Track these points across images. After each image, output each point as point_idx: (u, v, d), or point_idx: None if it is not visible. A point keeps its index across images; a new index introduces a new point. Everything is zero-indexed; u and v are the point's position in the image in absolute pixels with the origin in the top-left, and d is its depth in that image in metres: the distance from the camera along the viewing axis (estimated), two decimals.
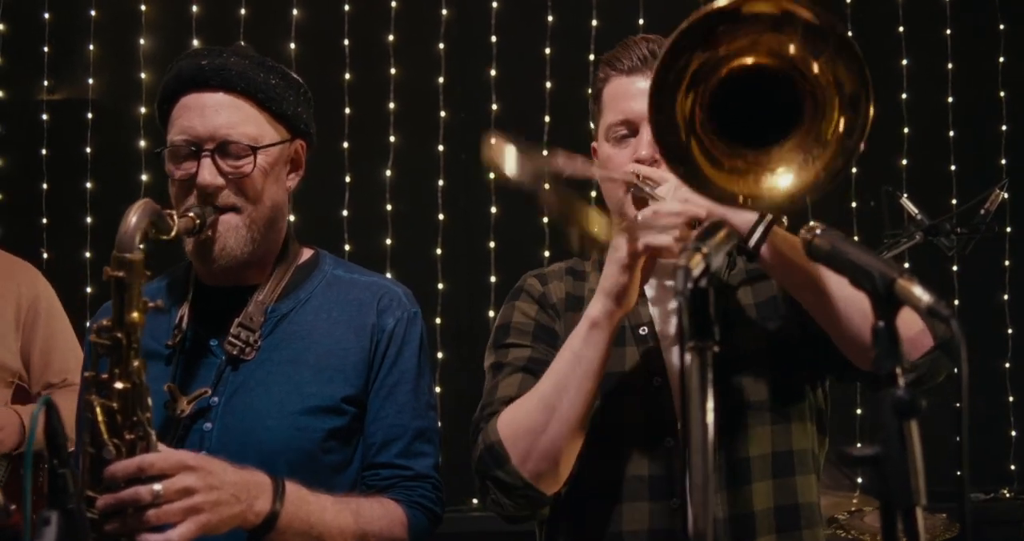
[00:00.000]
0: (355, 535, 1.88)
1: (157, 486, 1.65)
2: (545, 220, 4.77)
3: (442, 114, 4.79)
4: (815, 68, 1.47)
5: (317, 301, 2.07)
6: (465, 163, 4.81)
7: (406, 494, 1.99)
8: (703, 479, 1.13)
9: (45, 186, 4.69)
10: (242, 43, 2.09)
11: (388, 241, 4.74)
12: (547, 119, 4.80)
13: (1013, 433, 4.80)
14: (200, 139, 1.93)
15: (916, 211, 3.19)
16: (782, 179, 1.47)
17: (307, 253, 2.16)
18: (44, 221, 4.68)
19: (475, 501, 4.39)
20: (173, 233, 1.83)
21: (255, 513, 1.76)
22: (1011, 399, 4.78)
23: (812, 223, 1.37)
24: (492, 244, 4.77)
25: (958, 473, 1.22)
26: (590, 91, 2.19)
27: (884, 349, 1.22)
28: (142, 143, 4.70)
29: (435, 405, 2.12)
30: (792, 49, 1.45)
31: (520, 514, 1.94)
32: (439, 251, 4.76)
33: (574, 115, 4.79)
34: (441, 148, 4.79)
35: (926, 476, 1.18)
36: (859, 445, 1.20)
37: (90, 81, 4.75)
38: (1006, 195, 3.31)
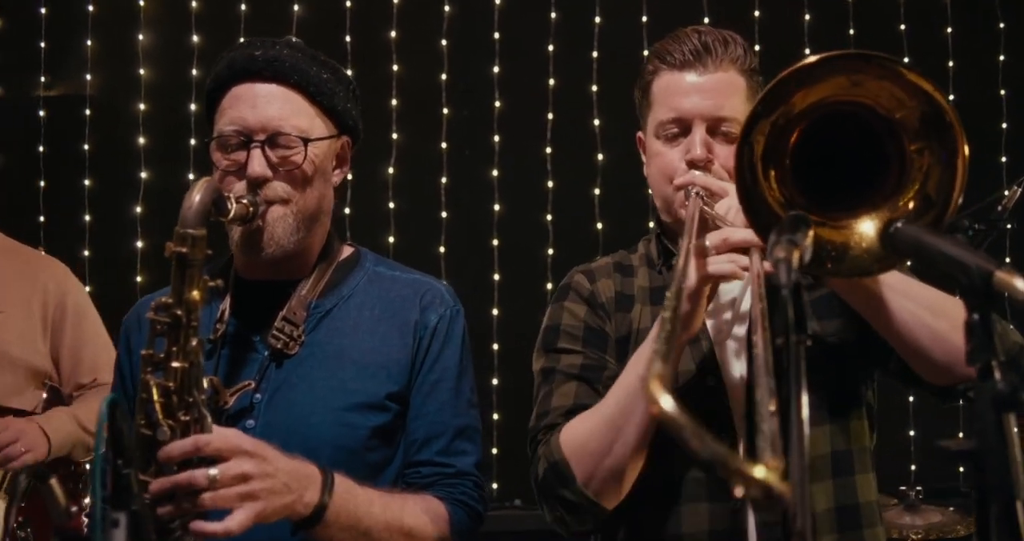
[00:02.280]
0: (400, 530, 1.86)
1: (213, 470, 1.63)
2: (548, 217, 4.76)
3: (444, 111, 4.77)
4: (912, 147, 1.48)
5: (359, 298, 2.05)
6: (468, 160, 4.79)
7: (448, 491, 1.97)
8: (800, 476, 1.11)
9: (43, 184, 4.64)
10: (293, 38, 2.06)
11: (391, 239, 4.71)
12: (550, 116, 4.79)
13: None
14: (251, 130, 1.91)
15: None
16: (852, 250, 1.50)
17: (348, 250, 2.14)
18: (42, 219, 4.62)
19: (518, 502, 4.39)
20: (230, 216, 1.80)
21: (304, 504, 1.74)
22: None
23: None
24: (495, 242, 4.76)
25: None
26: (637, 82, 2.14)
27: (979, 343, 1.21)
28: (141, 140, 4.66)
29: (476, 404, 2.10)
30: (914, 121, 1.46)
31: (583, 529, 1.94)
32: (442, 249, 4.74)
33: (577, 112, 4.79)
34: (444, 145, 4.77)
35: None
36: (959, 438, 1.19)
37: (88, 77, 4.70)
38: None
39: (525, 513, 4.35)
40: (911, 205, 1.48)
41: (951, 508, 3.57)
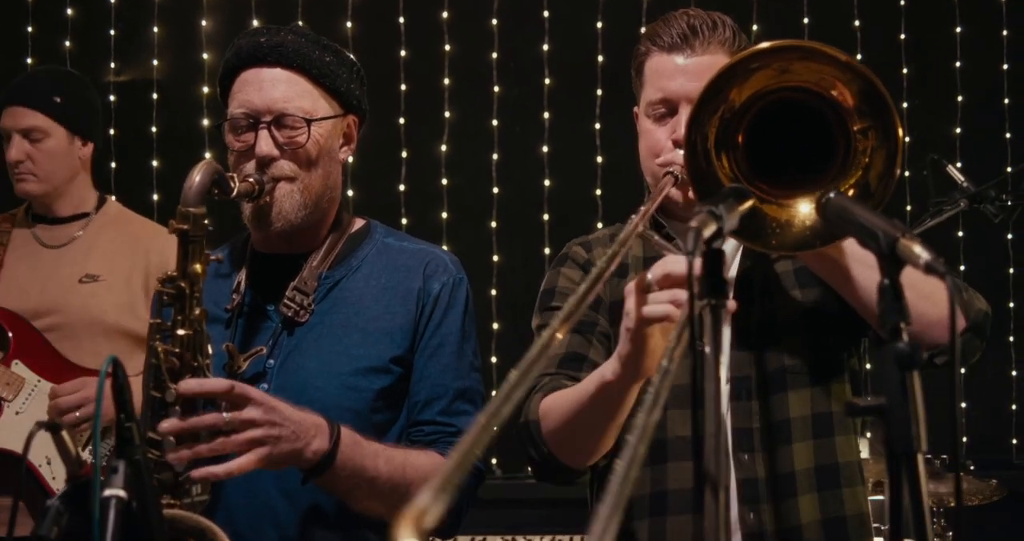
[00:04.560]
0: (403, 481, 1.98)
1: (225, 415, 1.76)
2: (598, 192, 4.84)
3: (496, 89, 4.87)
4: (855, 127, 1.54)
5: (368, 268, 2.18)
6: (519, 136, 4.89)
7: (450, 449, 2.09)
8: (715, 439, 1.19)
9: (113, 165, 4.86)
10: (300, 23, 2.19)
11: (444, 214, 4.84)
12: (599, 93, 4.85)
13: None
14: (258, 112, 2.04)
15: (962, 178, 3.21)
16: (793, 226, 1.56)
17: (359, 223, 2.26)
18: (113, 199, 4.83)
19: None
20: (234, 194, 1.94)
21: (312, 451, 1.86)
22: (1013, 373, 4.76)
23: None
24: (546, 217, 4.86)
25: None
26: (632, 61, 2.22)
27: (888, 306, 1.28)
28: (205, 122, 4.85)
29: (479, 368, 2.21)
30: (849, 99, 1.52)
31: (556, 483, 2.03)
32: (494, 224, 4.85)
33: (627, 89, 4.82)
34: (495, 122, 4.87)
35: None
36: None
37: (155, 62, 4.91)
38: None
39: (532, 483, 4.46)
40: (850, 193, 1.54)
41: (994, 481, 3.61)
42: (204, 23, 4.89)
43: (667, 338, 1.59)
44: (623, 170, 4.83)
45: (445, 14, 4.88)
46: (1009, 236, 4.69)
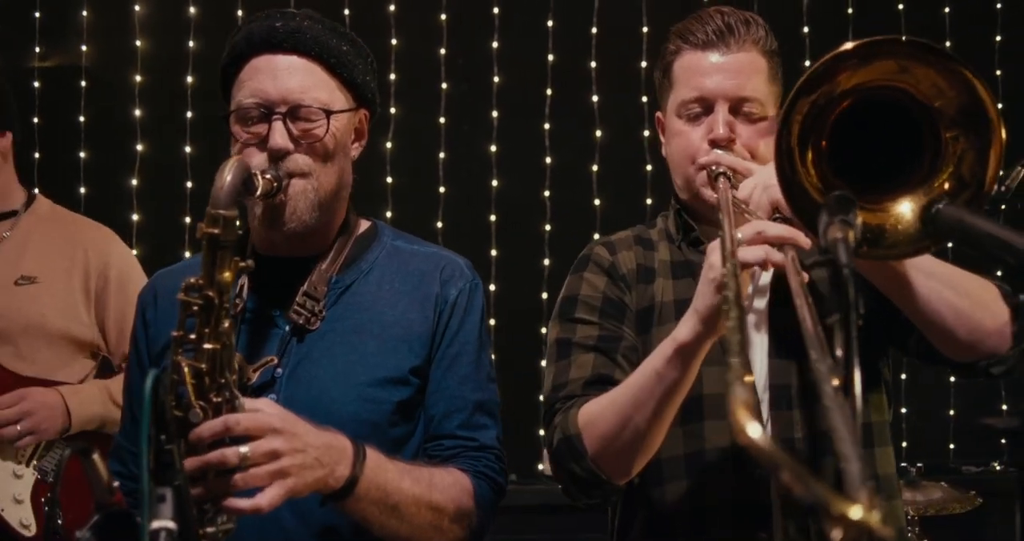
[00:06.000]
0: (428, 504, 1.86)
1: (244, 448, 1.61)
2: (546, 193, 4.76)
3: (443, 86, 4.75)
4: (947, 135, 1.48)
5: (379, 272, 2.05)
6: (467, 135, 4.77)
7: (471, 464, 1.98)
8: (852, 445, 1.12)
9: (37, 155, 4.59)
10: (310, 11, 2.04)
11: (388, 214, 4.70)
12: (549, 92, 4.77)
13: (1004, 407, 4.88)
14: (272, 102, 1.89)
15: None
16: (897, 229, 1.50)
17: (365, 224, 2.13)
18: (36, 191, 4.56)
19: (513, 477, 4.39)
20: (258, 193, 1.79)
21: (336, 478, 1.73)
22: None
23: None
24: (493, 217, 4.76)
25: None
26: (656, 63, 2.14)
27: None
28: (137, 112, 4.63)
29: (494, 377, 2.10)
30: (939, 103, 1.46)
31: (591, 502, 1.96)
32: (440, 224, 4.73)
33: (575, 88, 4.77)
34: (443, 120, 4.75)
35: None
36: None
37: (83, 48, 4.65)
38: None
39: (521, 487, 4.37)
40: (946, 186, 1.48)
41: (943, 483, 3.62)
42: (137, 8, 4.66)
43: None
44: (572, 171, 4.77)
45: (392, 7, 4.74)
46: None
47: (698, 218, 2.11)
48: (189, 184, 4.59)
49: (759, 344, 2.00)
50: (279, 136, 1.88)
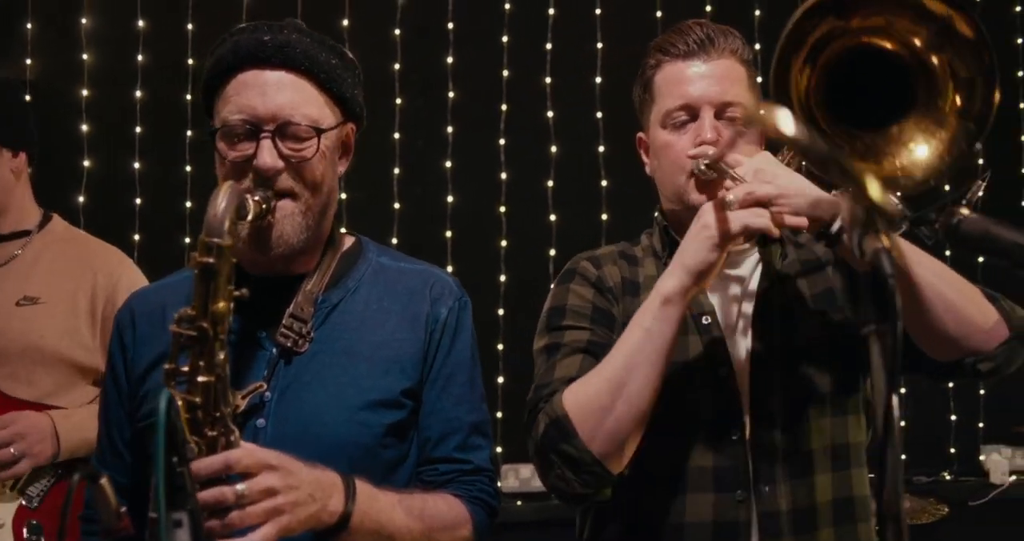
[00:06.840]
0: (422, 534, 1.84)
1: (240, 486, 1.58)
2: (502, 209, 4.74)
3: (398, 101, 4.71)
4: (934, 60, 1.48)
5: (366, 290, 2.01)
6: (421, 150, 4.74)
7: (466, 489, 1.95)
8: (894, 465, 1.12)
9: None
10: (297, 19, 2.00)
11: (343, 230, 4.58)
12: (504, 107, 4.76)
13: (953, 418, 4.95)
14: (260, 119, 1.84)
15: (897, 202, 3.24)
16: (911, 157, 1.49)
17: (350, 240, 2.10)
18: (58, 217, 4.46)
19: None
20: (250, 217, 1.74)
21: (329, 513, 1.71)
22: (951, 384, 4.90)
23: (954, 206, 1.38)
24: (448, 233, 4.72)
25: None
26: (636, 79, 2.15)
27: None
28: (84, 127, 4.51)
29: (485, 396, 2.08)
30: (918, 41, 1.46)
31: (585, 492, 1.91)
32: (395, 240, 4.67)
33: (530, 103, 4.76)
34: (397, 135, 4.71)
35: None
36: None
37: (28, 61, 4.53)
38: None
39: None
40: (957, 100, 1.50)
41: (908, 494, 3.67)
42: (84, 21, 4.55)
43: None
44: (527, 186, 4.76)
45: (346, 22, 4.69)
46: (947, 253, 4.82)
47: (681, 228, 2.11)
48: (138, 200, 4.49)
49: (743, 347, 2.01)
50: (268, 155, 1.83)
